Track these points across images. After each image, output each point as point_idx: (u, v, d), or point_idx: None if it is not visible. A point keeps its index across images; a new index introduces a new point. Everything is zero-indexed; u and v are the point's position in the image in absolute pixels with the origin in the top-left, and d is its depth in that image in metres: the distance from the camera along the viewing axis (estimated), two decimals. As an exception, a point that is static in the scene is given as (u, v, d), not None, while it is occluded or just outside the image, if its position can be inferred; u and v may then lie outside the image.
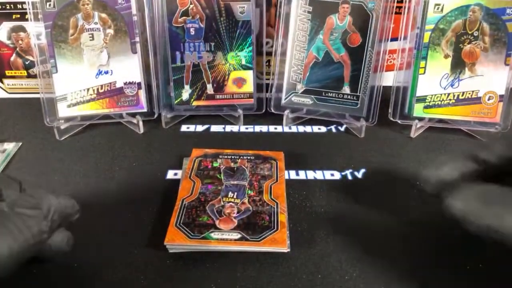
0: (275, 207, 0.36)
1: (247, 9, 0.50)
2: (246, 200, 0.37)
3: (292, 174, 0.43)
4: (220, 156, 0.43)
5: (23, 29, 0.56)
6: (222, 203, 0.36)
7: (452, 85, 0.50)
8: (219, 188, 0.38)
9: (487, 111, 0.50)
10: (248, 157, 0.43)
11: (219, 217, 0.35)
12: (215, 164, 0.41)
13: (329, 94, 0.52)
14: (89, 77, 0.50)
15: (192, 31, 0.50)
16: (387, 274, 0.31)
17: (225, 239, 0.32)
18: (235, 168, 0.41)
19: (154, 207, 0.38)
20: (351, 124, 0.52)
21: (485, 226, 0.25)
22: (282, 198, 0.37)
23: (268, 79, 0.54)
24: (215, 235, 0.33)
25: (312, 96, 0.52)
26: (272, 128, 0.52)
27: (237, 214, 0.35)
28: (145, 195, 0.40)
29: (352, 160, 0.45)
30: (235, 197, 0.37)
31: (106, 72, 0.50)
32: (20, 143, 0.48)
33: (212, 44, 0.51)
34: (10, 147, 0.47)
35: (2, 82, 0.59)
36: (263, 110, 0.53)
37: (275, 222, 0.34)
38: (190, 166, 0.41)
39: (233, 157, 0.43)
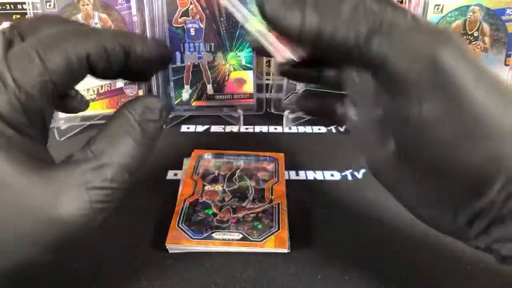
0: (277, 207, 0.36)
1: (247, 10, 0.50)
2: (247, 201, 0.37)
3: (292, 175, 0.43)
4: (221, 157, 0.43)
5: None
6: (223, 204, 0.36)
7: (452, 86, 0.50)
8: (220, 188, 0.38)
9: (487, 112, 0.50)
10: (249, 158, 0.43)
11: (221, 217, 0.35)
12: (216, 165, 0.41)
13: (329, 94, 0.52)
14: (89, 77, 0.50)
15: (192, 32, 0.50)
16: (388, 275, 0.31)
17: (227, 239, 0.33)
18: (236, 169, 0.41)
19: (154, 207, 0.38)
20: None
21: None
22: (283, 198, 0.37)
23: (268, 79, 0.54)
24: (217, 235, 0.33)
25: (312, 96, 0.52)
26: (272, 129, 0.52)
27: (239, 215, 0.35)
28: (145, 195, 0.40)
29: (352, 160, 0.45)
30: (236, 197, 0.37)
31: (106, 73, 0.50)
32: (20, 144, 0.48)
33: (212, 44, 0.51)
34: (10, 147, 0.47)
35: (2, 83, 0.59)
36: (263, 111, 0.54)
37: (277, 223, 0.34)
38: (191, 166, 0.41)
39: (233, 157, 0.43)
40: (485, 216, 0.19)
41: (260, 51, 0.25)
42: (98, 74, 0.24)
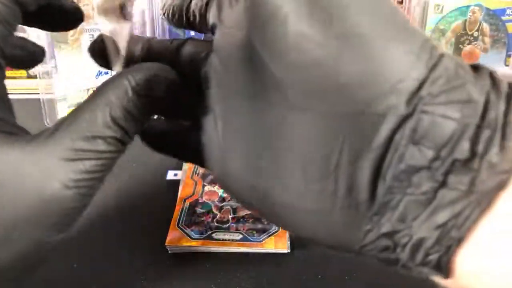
0: (275, 207, 0.36)
1: (247, 10, 0.50)
2: (246, 201, 0.37)
3: (292, 175, 0.43)
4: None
5: (23, 29, 0.56)
6: (223, 204, 0.36)
7: (452, 86, 0.50)
8: (220, 188, 0.38)
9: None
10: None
11: (221, 218, 0.35)
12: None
13: (329, 94, 0.52)
14: (89, 77, 0.50)
15: (192, 32, 0.50)
16: (387, 275, 0.31)
17: (227, 239, 0.33)
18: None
19: (154, 208, 0.38)
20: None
21: None
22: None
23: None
24: (217, 235, 0.33)
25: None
26: (272, 129, 0.52)
27: (239, 215, 0.35)
28: (145, 196, 0.40)
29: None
30: (235, 197, 0.37)
31: (106, 73, 0.50)
32: (20, 144, 0.48)
33: (212, 44, 0.51)
34: (10, 147, 0.47)
35: (2, 83, 0.59)
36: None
37: None
38: (191, 166, 0.41)
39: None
40: (392, 161, 0.14)
41: (101, 54, 0.22)
42: (35, 16, 0.20)
